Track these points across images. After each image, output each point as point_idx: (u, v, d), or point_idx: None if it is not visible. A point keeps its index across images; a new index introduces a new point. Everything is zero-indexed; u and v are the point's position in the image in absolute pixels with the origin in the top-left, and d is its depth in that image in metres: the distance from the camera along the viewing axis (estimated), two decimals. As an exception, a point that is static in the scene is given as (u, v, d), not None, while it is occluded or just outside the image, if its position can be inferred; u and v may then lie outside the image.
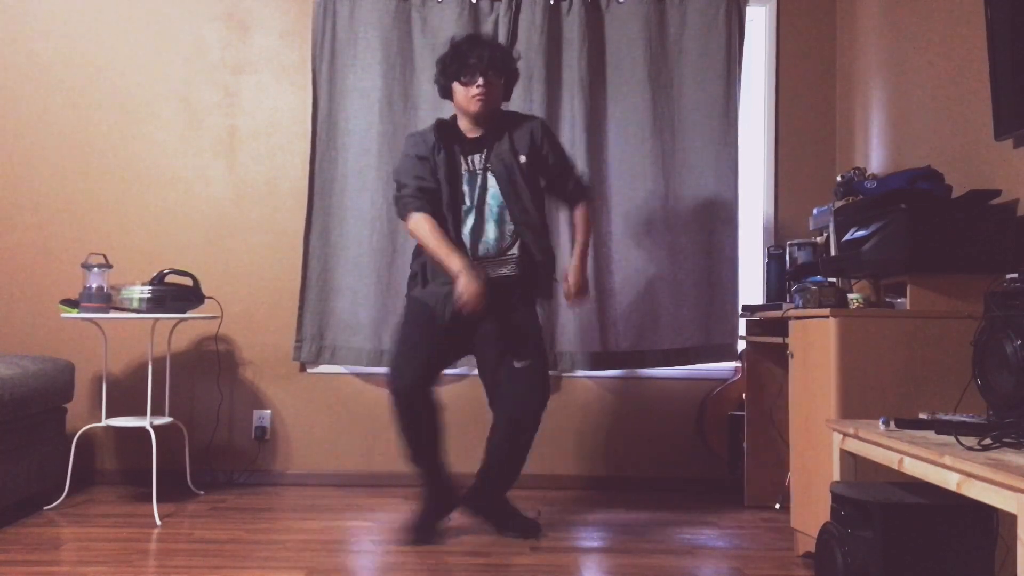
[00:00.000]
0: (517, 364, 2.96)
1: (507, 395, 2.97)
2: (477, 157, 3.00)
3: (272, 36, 3.98)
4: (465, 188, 2.99)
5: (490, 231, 2.98)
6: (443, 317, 2.95)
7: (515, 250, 3.00)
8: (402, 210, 2.99)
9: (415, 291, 3.03)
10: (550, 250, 3.07)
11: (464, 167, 3.00)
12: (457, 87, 2.98)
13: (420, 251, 3.05)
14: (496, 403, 3.03)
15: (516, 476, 3.04)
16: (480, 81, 2.92)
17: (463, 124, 3.04)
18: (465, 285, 2.82)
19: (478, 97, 2.93)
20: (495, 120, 3.04)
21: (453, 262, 2.86)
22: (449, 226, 2.96)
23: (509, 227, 2.99)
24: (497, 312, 2.99)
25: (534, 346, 3.00)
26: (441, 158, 2.97)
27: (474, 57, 2.92)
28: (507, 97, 3.10)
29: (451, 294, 2.91)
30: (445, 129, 3.02)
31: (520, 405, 2.94)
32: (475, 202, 2.98)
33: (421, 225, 2.93)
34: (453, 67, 2.97)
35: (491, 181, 2.99)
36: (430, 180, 2.97)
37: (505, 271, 3.00)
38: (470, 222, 2.98)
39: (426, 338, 2.96)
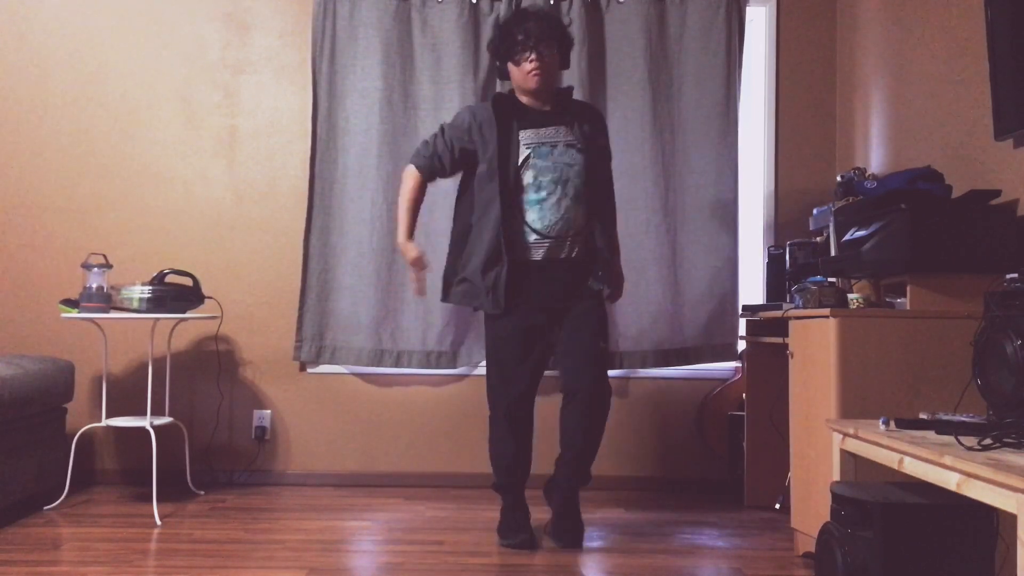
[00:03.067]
0: (602, 344, 2.92)
1: (588, 373, 2.87)
2: (553, 130, 2.91)
3: (272, 36, 3.98)
4: (536, 161, 2.86)
5: (571, 209, 2.87)
6: (499, 305, 2.86)
7: (591, 232, 2.92)
8: (413, 156, 3.01)
9: (479, 305, 2.92)
10: (616, 239, 3.05)
11: (529, 140, 2.88)
12: (512, 67, 2.92)
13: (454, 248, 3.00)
14: (572, 382, 2.90)
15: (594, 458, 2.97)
16: (532, 56, 2.86)
17: (527, 100, 2.95)
18: (408, 256, 2.98)
19: (534, 73, 2.87)
20: (566, 97, 2.97)
21: (400, 231, 3.00)
22: (499, 200, 2.84)
23: (586, 207, 2.90)
24: (570, 295, 2.92)
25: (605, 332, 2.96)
26: (492, 132, 2.87)
27: (521, 33, 2.86)
28: (565, 65, 3.01)
29: (498, 281, 2.85)
30: (503, 103, 2.93)
31: (603, 381, 2.89)
32: (559, 177, 2.86)
33: (410, 178, 3.01)
34: (504, 48, 2.92)
35: (576, 158, 2.89)
36: (449, 162, 2.95)
37: (578, 254, 2.91)
38: (551, 197, 2.85)
39: (522, 363, 2.89)
